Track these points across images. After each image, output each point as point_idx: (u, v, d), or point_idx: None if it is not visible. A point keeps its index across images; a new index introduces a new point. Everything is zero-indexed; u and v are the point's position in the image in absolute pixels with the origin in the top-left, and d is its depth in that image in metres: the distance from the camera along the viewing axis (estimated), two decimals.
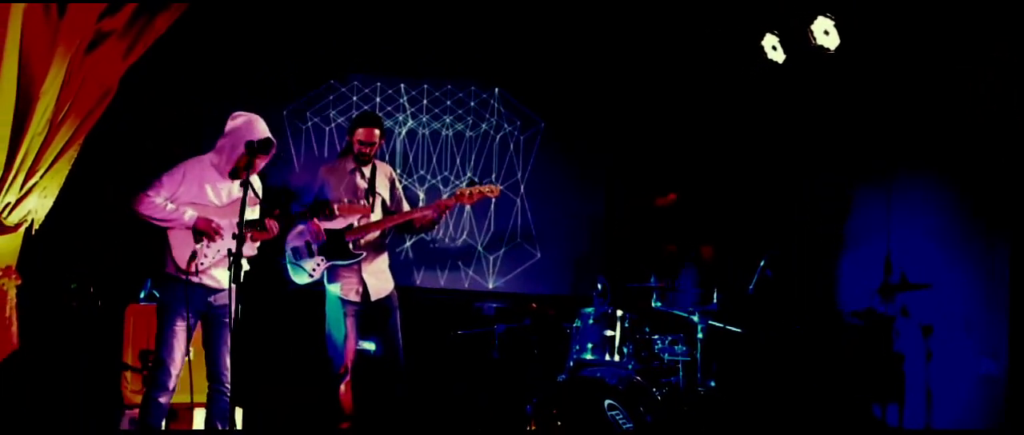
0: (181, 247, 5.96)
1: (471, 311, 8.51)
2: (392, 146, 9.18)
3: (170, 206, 5.93)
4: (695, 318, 7.49)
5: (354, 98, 9.17)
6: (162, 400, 5.96)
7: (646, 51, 9.13)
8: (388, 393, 6.99)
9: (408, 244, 9.12)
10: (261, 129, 6.04)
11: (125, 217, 5.96)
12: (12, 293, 6.67)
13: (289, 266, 6.99)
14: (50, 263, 7.32)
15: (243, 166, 6.00)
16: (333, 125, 9.11)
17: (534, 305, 8.13)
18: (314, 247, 6.89)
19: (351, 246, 6.90)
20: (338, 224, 6.89)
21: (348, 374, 6.92)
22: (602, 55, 9.19)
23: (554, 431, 7.01)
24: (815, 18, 7.81)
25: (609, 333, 7.35)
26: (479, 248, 9.20)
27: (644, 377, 7.16)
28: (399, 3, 8.93)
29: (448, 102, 9.27)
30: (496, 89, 9.31)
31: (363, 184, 7.04)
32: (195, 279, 5.98)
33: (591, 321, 7.44)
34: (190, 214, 5.95)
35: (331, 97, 9.16)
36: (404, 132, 9.22)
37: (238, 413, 7.18)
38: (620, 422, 6.88)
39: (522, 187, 9.25)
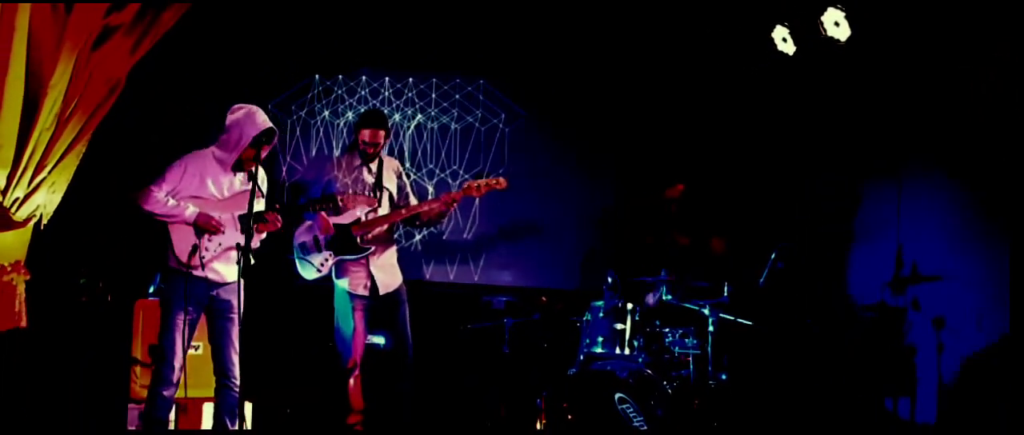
0: (182, 241, 5.98)
1: (481, 305, 8.49)
2: (400, 141, 9.16)
3: (172, 202, 5.96)
4: (706, 311, 7.47)
5: (363, 92, 9.15)
6: (166, 393, 5.99)
7: (657, 43, 9.09)
8: (397, 387, 6.99)
9: (418, 238, 9.10)
10: (262, 119, 6.06)
11: (129, 213, 5.98)
12: (21, 288, 6.67)
13: (297, 261, 6.99)
14: (59, 258, 7.31)
15: (250, 158, 6.06)
16: (342, 121, 9.09)
17: (544, 299, 8.11)
18: (322, 242, 6.89)
19: (359, 240, 6.89)
20: (346, 219, 6.88)
21: (357, 368, 6.92)
22: (613, 47, 9.15)
23: (564, 425, 7.00)
24: (825, 9, 7.77)
25: (619, 326, 7.34)
26: (488, 241, 9.18)
27: (654, 370, 7.15)
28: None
29: (457, 96, 9.24)
30: (506, 81, 9.27)
31: (370, 178, 7.03)
32: (198, 273, 5.99)
33: (601, 314, 7.42)
34: (191, 210, 5.97)
35: (340, 91, 9.14)
36: (412, 127, 9.20)
37: (248, 408, 7.18)
38: (631, 416, 6.86)
39: (532, 180, 9.22)
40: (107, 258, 7.76)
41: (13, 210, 6.57)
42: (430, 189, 9.09)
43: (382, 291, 6.94)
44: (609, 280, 7.48)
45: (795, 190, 8.86)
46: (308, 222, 6.95)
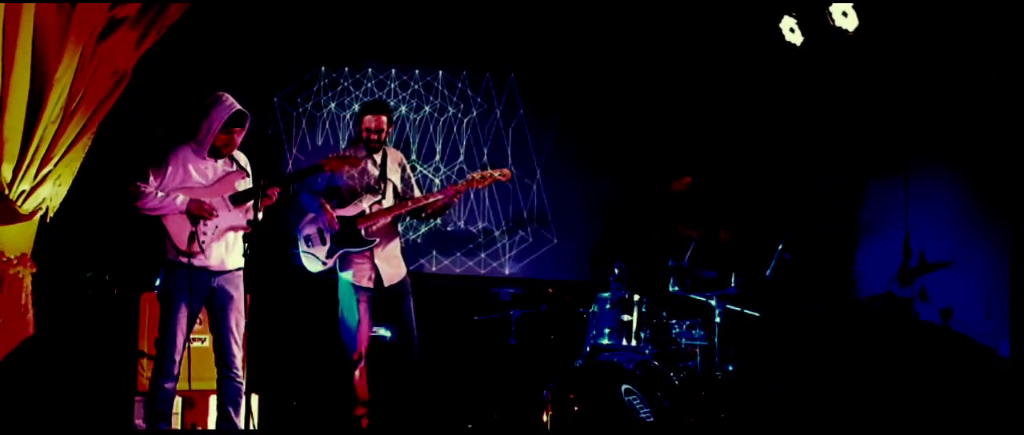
0: (179, 231, 6.03)
1: (487, 297, 8.49)
2: (406, 133, 9.15)
3: (160, 194, 6.00)
4: (713, 302, 7.45)
5: (369, 84, 9.15)
6: (168, 386, 6.01)
7: (664, 35, 9.08)
8: (403, 379, 6.99)
9: (424, 230, 9.10)
10: (230, 103, 6.11)
11: (123, 210, 6.03)
12: (27, 281, 6.68)
13: (302, 254, 6.99)
14: (65, 251, 7.32)
15: (225, 143, 6.13)
16: (348, 113, 9.09)
17: (551, 290, 8.10)
18: (326, 235, 6.89)
19: (363, 233, 6.88)
20: (350, 211, 6.88)
21: (363, 360, 6.92)
22: (617, 38, 9.14)
23: (571, 416, 6.99)
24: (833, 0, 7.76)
25: (626, 318, 7.34)
26: (495, 233, 9.18)
27: (661, 362, 7.15)
28: None
29: (463, 88, 9.23)
30: (511, 76, 9.27)
31: (374, 171, 7.03)
32: (198, 262, 6.02)
33: (608, 306, 7.42)
34: (181, 199, 6.03)
35: (346, 83, 9.13)
36: (419, 119, 9.19)
37: (255, 400, 7.19)
38: (637, 407, 6.85)
39: (538, 172, 9.21)
40: (113, 251, 7.76)
41: (19, 203, 6.57)
42: (436, 182, 9.09)
43: (387, 283, 6.93)
44: (616, 271, 7.48)
45: (802, 182, 8.84)
46: (312, 215, 6.95)
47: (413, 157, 9.06)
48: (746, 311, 7.61)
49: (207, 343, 6.84)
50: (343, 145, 8.77)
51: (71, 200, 6.96)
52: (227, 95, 6.15)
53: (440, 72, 9.24)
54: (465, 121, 9.23)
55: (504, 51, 9.21)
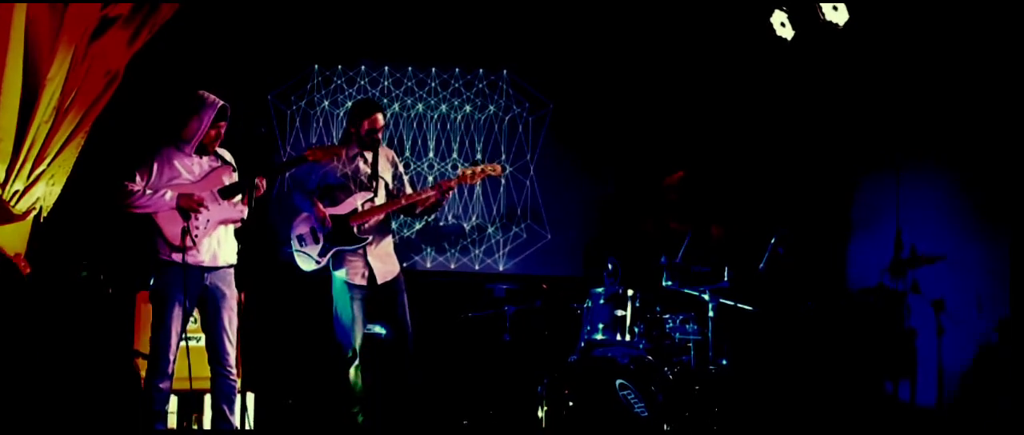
0: (171, 227, 6.05)
1: (482, 293, 8.49)
2: (399, 131, 9.16)
3: (148, 192, 6.02)
4: (706, 297, 7.47)
5: (362, 82, 9.15)
6: (163, 385, 6.03)
7: (656, 30, 9.08)
8: (398, 376, 6.99)
9: (418, 227, 9.11)
10: (214, 100, 6.14)
11: (111, 212, 6.04)
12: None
13: (295, 253, 6.99)
14: (60, 251, 7.32)
15: (212, 139, 6.17)
16: (342, 111, 9.09)
17: (545, 286, 8.11)
18: (319, 233, 6.89)
19: (356, 230, 6.89)
20: (343, 209, 6.89)
21: (357, 358, 6.92)
22: (609, 34, 9.15)
23: (566, 411, 7.00)
24: None
25: (620, 313, 7.34)
26: (489, 229, 9.19)
27: (655, 356, 7.15)
28: None
29: (456, 84, 9.24)
30: (504, 71, 9.28)
31: (366, 168, 7.03)
32: (192, 259, 6.04)
33: (602, 301, 7.43)
34: (170, 195, 6.05)
35: (340, 81, 9.14)
36: (412, 117, 9.20)
37: (250, 398, 7.20)
38: (632, 402, 6.87)
39: (532, 168, 9.22)
40: (108, 250, 7.77)
41: (13, 203, 6.58)
42: (429, 179, 9.09)
43: (380, 280, 6.94)
44: (610, 267, 7.48)
45: (794, 176, 8.85)
46: (304, 214, 6.95)
47: (407, 154, 9.07)
48: (739, 305, 7.63)
49: (202, 342, 6.85)
50: (335, 141, 8.77)
51: (65, 200, 6.97)
52: (207, 93, 6.19)
53: (433, 69, 9.25)
54: (458, 117, 9.24)
55: (497, 47, 9.22)
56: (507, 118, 9.26)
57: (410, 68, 9.23)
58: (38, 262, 6.80)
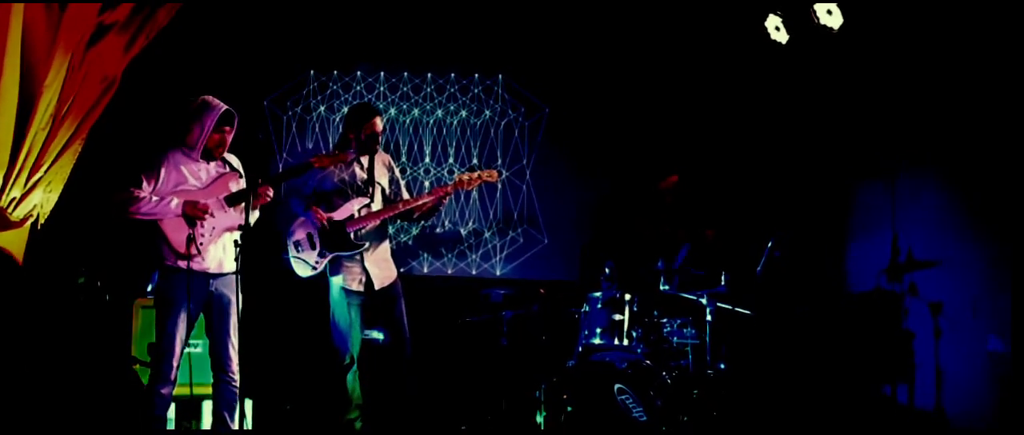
0: (176, 234, 6.03)
1: (479, 298, 8.48)
2: (395, 136, 9.16)
3: (155, 199, 6.00)
4: (704, 301, 7.47)
5: (358, 87, 9.15)
6: (164, 391, 6.02)
7: (650, 33, 9.10)
8: (396, 381, 6.99)
9: (415, 232, 9.11)
10: (218, 104, 6.13)
11: (115, 218, 6.03)
12: None
13: (292, 259, 6.98)
14: (57, 258, 7.31)
15: (216, 144, 6.14)
16: (338, 116, 9.09)
17: (542, 291, 8.11)
18: (316, 239, 6.88)
19: (352, 236, 6.88)
20: (339, 215, 6.88)
21: (355, 364, 6.92)
22: (605, 38, 9.16)
23: (564, 416, 7.00)
24: None
25: (618, 317, 7.34)
26: (486, 234, 9.19)
27: (653, 361, 7.15)
28: None
29: (451, 90, 9.25)
30: (499, 76, 9.29)
31: (363, 174, 7.02)
32: (197, 266, 6.03)
33: (599, 306, 7.43)
34: (176, 202, 6.03)
35: (335, 87, 9.14)
36: (407, 122, 9.20)
37: (248, 405, 7.19)
38: (630, 406, 6.86)
39: (528, 173, 9.23)
40: (105, 257, 7.76)
41: (10, 210, 6.57)
42: (426, 184, 9.10)
43: (377, 286, 6.93)
44: (607, 271, 7.49)
45: (790, 180, 8.87)
46: (301, 219, 6.94)
47: (403, 159, 9.07)
48: (737, 309, 7.63)
49: (200, 348, 6.85)
50: (332, 147, 8.76)
51: (62, 206, 6.96)
52: (212, 97, 6.18)
53: (429, 74, 9.25)
54: (454, 122, 9.24)
55: (492, 52, 9.22)
56: (503, 123, 9.26)
57: (406, 73, 9.23)
58: (35, 269, 6.78)
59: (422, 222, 8.73)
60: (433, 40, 9.11)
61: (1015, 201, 7.05)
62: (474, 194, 9.16)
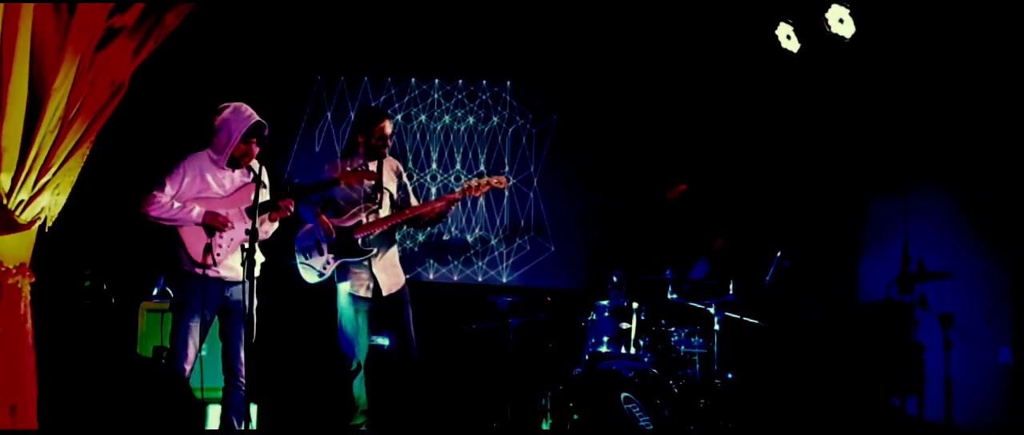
0: (195, 243, 6.02)
1: (485, 305, 8.46)
2: (402, 143, 9.15)
3: (177, 205, 6.00)
4: (712, 310, 7.45)
5: (366, 93, 9.14)
6: None
7: (660, 41, 9.09)
8: (402, 387, 6.97)
9: (422, 238, 9.09)
10: (248, 113, 6.11)
11: (136, 220, 6.02)
12: (26, 291, 6.63)
13: (299, 265, 6.97)
14: (64, 261, 7.30)
15: (243, 154, 6.14)
16: (345, 122, 9.08)
17: (549, 298, 8.09)
18: (324, 245, 6.87)
19: (360, 242, 6.87)
20: (347, 221, 6.87)
21: (362, 370, 6.90)
22: (614, 45, 9.15)
23: (570, 425, 6.98)
24: (830, 6, 7.76)
25: (625, 326, 7.33)
26: (493, 242, 9.17)
27: (660, 370, 7.14)
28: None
29: (459, 96, 9.23)
30: (507, 82, 9.27)
31: (371, 180, 7.01)
32: (213, 273, 6.02)
33: (606, 314, 7.41)
34: (197, 210, 6.01)
35: (343, 92, 9.13)
36: (414, 128, 9.18)
37: (253, 409, 7.17)
38: (637, 415, 6.84)
39: (535, 180, 9.21)
40: (112, 261, 7.75)
41: (18, 213, 6.54)
42: (433, 191, 9.08)
43: (385, 292, 6.92)
44: (614, 279, 7.47)
45: (800, 189, 8.84)
46: (309, 225, 6.93)
47: (410, 166, 9.06)
48: (745, 319, 7.61)
49: (206, 353, 6.83)
50: (339, 153, 8.74)
51: (70, 209, 6.94)
52: (245, 105, 6.16)
53: (436, 80, 9.23)
54: (461, 129, 9.22)
55: (500, 59, 9.21)
56: (511, 130, 9.24)
57: (413, 80, 9.21)
58: (42, 272, 6.76)
59: (429, 229, 8.72)
60: (441, 46, 9.10)
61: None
62: (481, 201, 9.14)
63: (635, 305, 7.36)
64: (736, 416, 7.25)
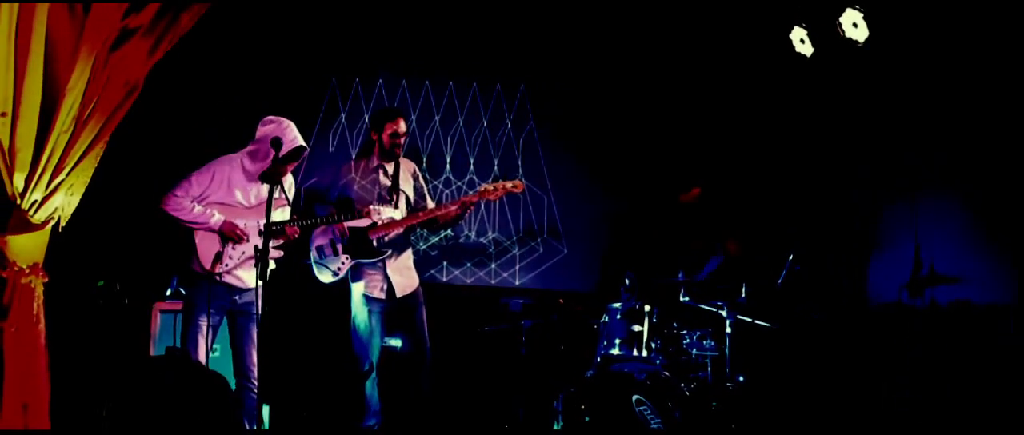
0: (207, 248, 6.05)
1: (498, 307, 8.47)
2: (415, 146, 9.16)
3: (198, 208, 6.02)
4: (723, 313, 7.44)
5: (381, 95, 9.15)
6: None
7: (674, 45, 9.08)
8: (415, 389, 6.98)
9: (435, 240, 9.10)
10: (292, 136, 6.09)
11: (153, 215, 6.04)
12: (39, 291, 6.67)
13: (314, 265, 6.99)
14: (77, 261, 7.33)
15: (272, 173, 6.08)
16: (359, 123, 9.09)
17: (562, 301, 8.09)
18: (339, 246, 6.89)
19: (375, 244, 6.88)
20: (362, 222, 6.87)
21: (374, 371, 6.91)
22: (629, 49, 9.14)
23: (582, 427, 6.97)
24: (843, 10, 7.74)
25: (637, 328, 7.32)
26: (506, 244, 9.17)
27: (672, 372, 7.13)
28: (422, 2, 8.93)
29: (473, 99, 9.24)
30: (522, 85, 9.27)
31: (387, 181, 7.03)
32: (224, 277, 6.03)
33: (619, 316, 7.41)
34: (217, 218, 6.03)
35: (358, 94, 9.14)
36: (428, 131, 9.19)
37: (265, 410, 7.19)
38: (648, 418, 6.83)
39: (549, 183, 9.20)
40: (125, 261, 7.78)
41: (31, 213, 6.57)
42: (446, 194, 9.08)
43: (399, 294, 6.93)
44: (627, 282, 7.46)
45: (812, 193, 8.82)
46: (324, 226, 6.94)
47: (424, 168, 9.07)
48: (757, 322, 7.59)
49: (218, 353, 6.86)
50: (354, 154, 8.76)
51: (83, 209, 6.97)
52: (292, 125, 6.15)
53: (450, 83, 9.24)
54: (476, 132, 9.22)
55: (515, 62, 9.21)
56: (524, 132, 9.24)
57: (427, 82, 9.22)
58: (56, 272, 6.80)
59: (443, 231, 8.73)
60: (455, 49, 9.11)
61: None
62: (495, 204, 9.13)
63: (647, 308, 7.35)
64: (748, 419, 7.23)
